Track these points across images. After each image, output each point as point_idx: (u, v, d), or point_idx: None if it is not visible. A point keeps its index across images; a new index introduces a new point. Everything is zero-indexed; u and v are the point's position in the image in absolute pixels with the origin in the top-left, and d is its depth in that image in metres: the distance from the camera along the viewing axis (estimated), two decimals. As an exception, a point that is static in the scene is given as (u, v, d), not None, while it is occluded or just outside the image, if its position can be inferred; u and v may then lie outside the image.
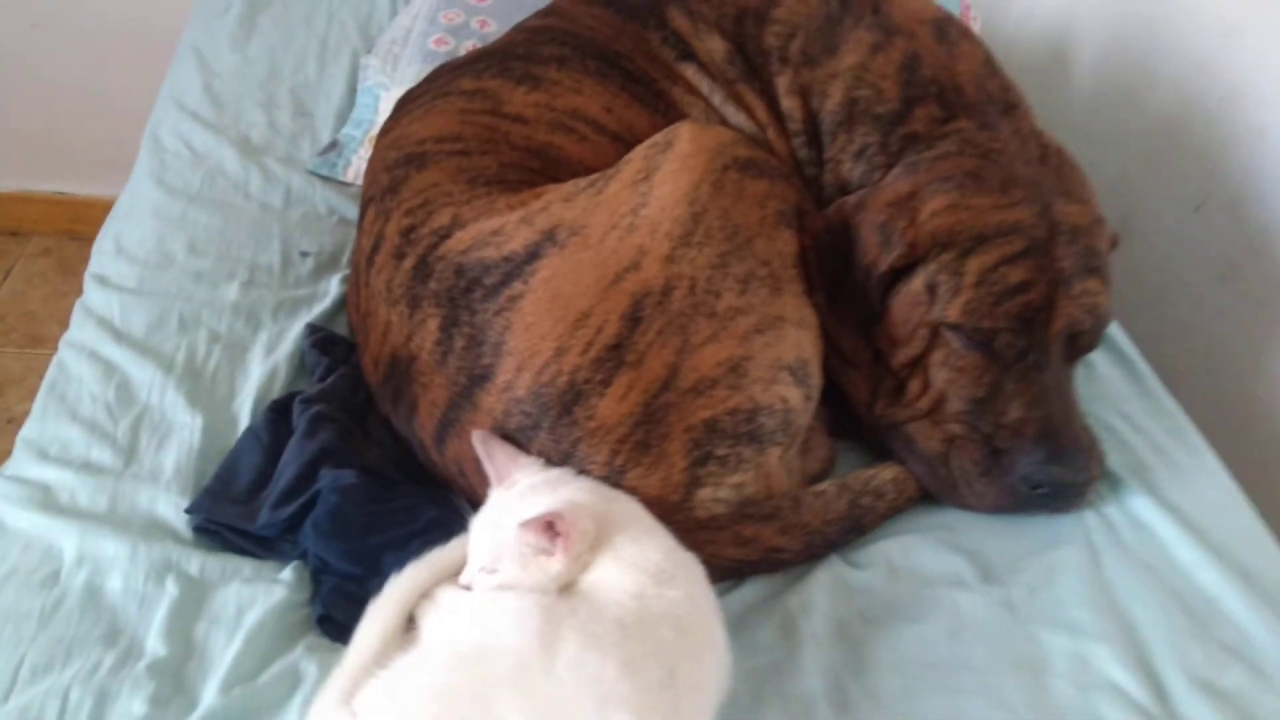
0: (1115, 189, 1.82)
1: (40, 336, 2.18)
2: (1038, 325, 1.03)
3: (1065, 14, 2.01)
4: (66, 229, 2.42)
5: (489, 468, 0.89)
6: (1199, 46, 1.63)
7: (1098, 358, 1.27)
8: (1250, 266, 1.49)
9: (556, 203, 1.00)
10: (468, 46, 1.46)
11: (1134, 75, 1.79)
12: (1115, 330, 1.33)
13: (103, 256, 1.22)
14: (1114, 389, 1.23)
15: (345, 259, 1.26)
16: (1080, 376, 1.24)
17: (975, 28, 1.82)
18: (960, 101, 1.12)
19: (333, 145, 1.42)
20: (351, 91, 1.53)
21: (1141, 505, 1.07)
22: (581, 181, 1.03)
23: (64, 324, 2.20)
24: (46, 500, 0.92)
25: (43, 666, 0.80)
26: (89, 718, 0.77)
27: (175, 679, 0.81)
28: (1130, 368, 1.27)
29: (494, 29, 1.49)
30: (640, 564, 0.82)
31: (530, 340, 0.91)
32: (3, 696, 0.78)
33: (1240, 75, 1.54)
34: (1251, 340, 1.48)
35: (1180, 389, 1.61)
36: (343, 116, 1.49)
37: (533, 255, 0.95)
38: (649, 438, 0.91)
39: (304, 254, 1.25)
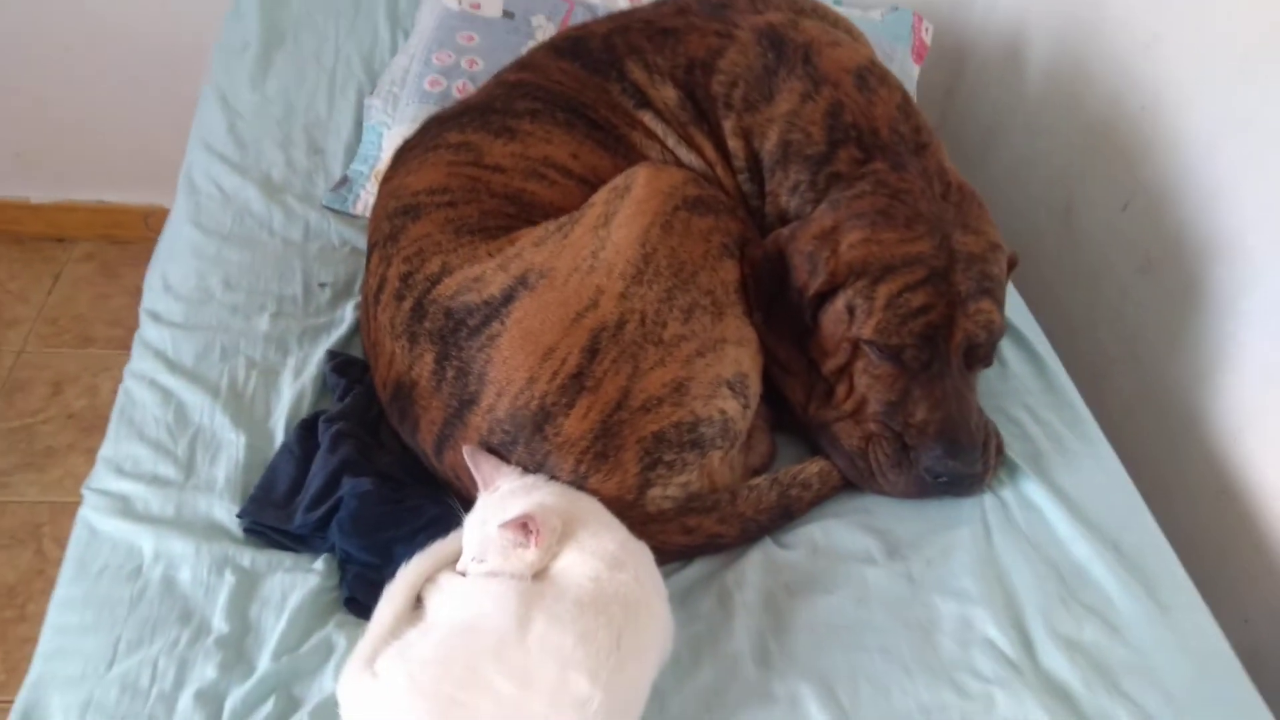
0: (1060, 180, 1.99)
1: (90, 336, 2.39)
2: (939, 340, 1.22)
3: (1019, 14, 2.15)
4: (106, 234, 2.62)
5: (477, 476, 1.09)
6: (1125, 55, 1.78)
7: (1010, 356, 1.46)
8: (1165, 262, 1.66)
9: (528, 248, 1.19)
10: (458, 85, 1.65)
11: (1075, 76, 1.94)
12: (1030, 331, 1.51)
13: (153, 293, 1.41)
14: (1022, 385, 1.42)
15: (357, 286, 1.45)
16: (994, 374, 1.43)
17: (928, 37, 1.97)
18: (876, 144, 1.29)
19: (343, 181, 1.61)
20: (358, 127, 1.71)
21: (1032, 489, 1.27)
22: (551, 225, 1.22)
23: (109, 324, 2.44)
24: (126, 509, 1.14)
25: (135, 642, 1.02)
26: (174, 681, 0.99)
27: (237, 650, 1.02)
28: (1039, 365, 1.45)
29: (481, 68, 1.67)
30: (598, 553, 1.02)
31: (507, 371, 1.11)
32: (107, 666, 1.00)
33: (1158, 85, 1.69)
34: (1167, 328, 1.66)
35: (1110, 370, 1.81)
36: (351, 152, 1.67)
37: (508, 298, 1.14)
38: (606, 449, 1.10)
39: (322, 285, 1.44)
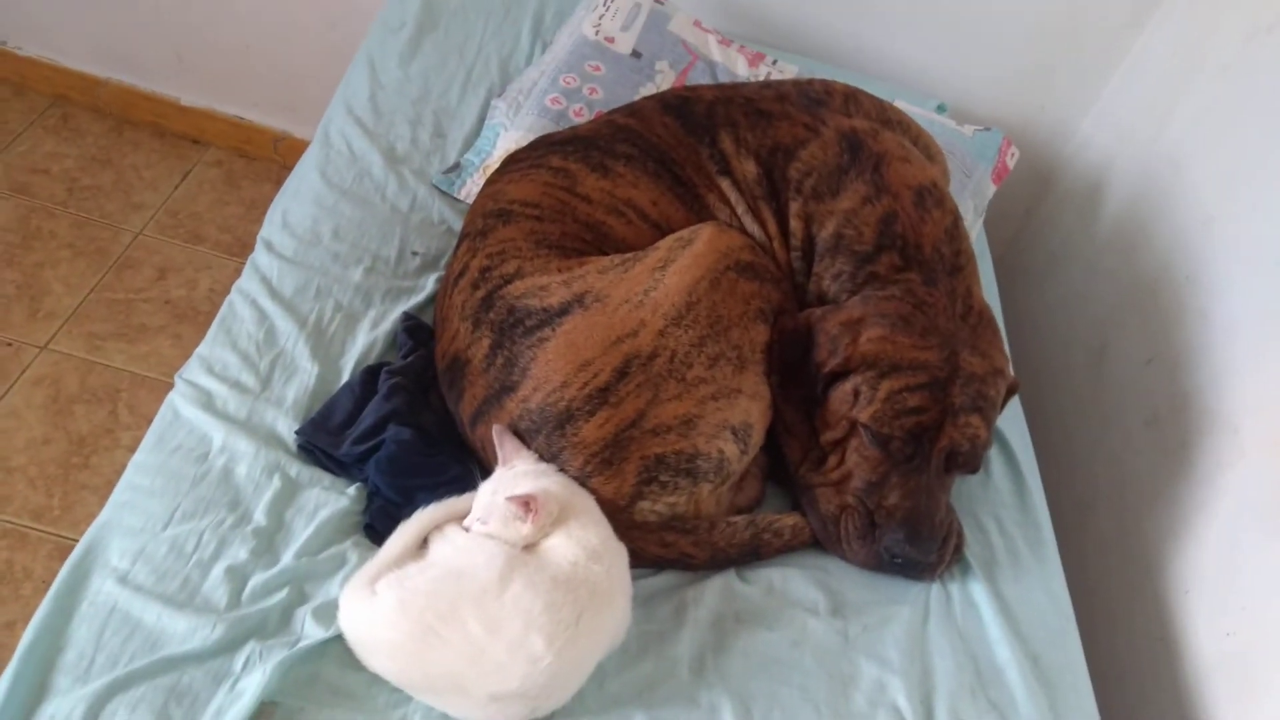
0: (1102, 320, 2.11)
1: (201, 235, 2.62)
2: (925, 441, 1.36)
3: (1106, 160, 2.27)
4: (238, 148, 2.87)
5: (499, 451, 1.27)
6: (1185, 225, 1.90)
7: (997, 470, 1.59)
8: (1168, 423, 1.77)
9: (593, 273, 1.37)
10: (576, 108, 1.83)
11: (1138, 231, 2.06)
12: (1023, 453, 1.63)
13: (272, 226, 1.62)
14: (999, 498, 1.55)
15: (443, 262, 1.65)
16: (978, 481, 1.57)
17: (1011, 162, 2.10)
18: (918, 257, 1.44)
19: (455, 167, 1.81)
20: (480, 122, 1.91)
21: (978, 589, 1.40)
22: (617, 258, 1.40)
23: (220, 228, 2.69)
24: (208, 403, 1.34)
25: (189, 513, 1.22)
26: (212, 554, 1.18)
27: (268, 542, 1.21)
28: (1020, 485, 1.58)
29: (601, 97, 1.85)
30: (582, 542, 1.19)
31: (547, 372, 1.29)
32: (163, 526, 1.20)
33: (1204, 261, 1.81)
34: (1154, 483, 1.77)
35: (1096, 505, 1.93)
36: (469, 143, 1.87)
37: (564, 311, 1.32)
38: (613, 458, 1.27)
39: (415, 253, 1.64)
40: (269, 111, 2.83)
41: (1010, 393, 1.46)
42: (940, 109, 2.22)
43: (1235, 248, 1.73)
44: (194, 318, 2.41)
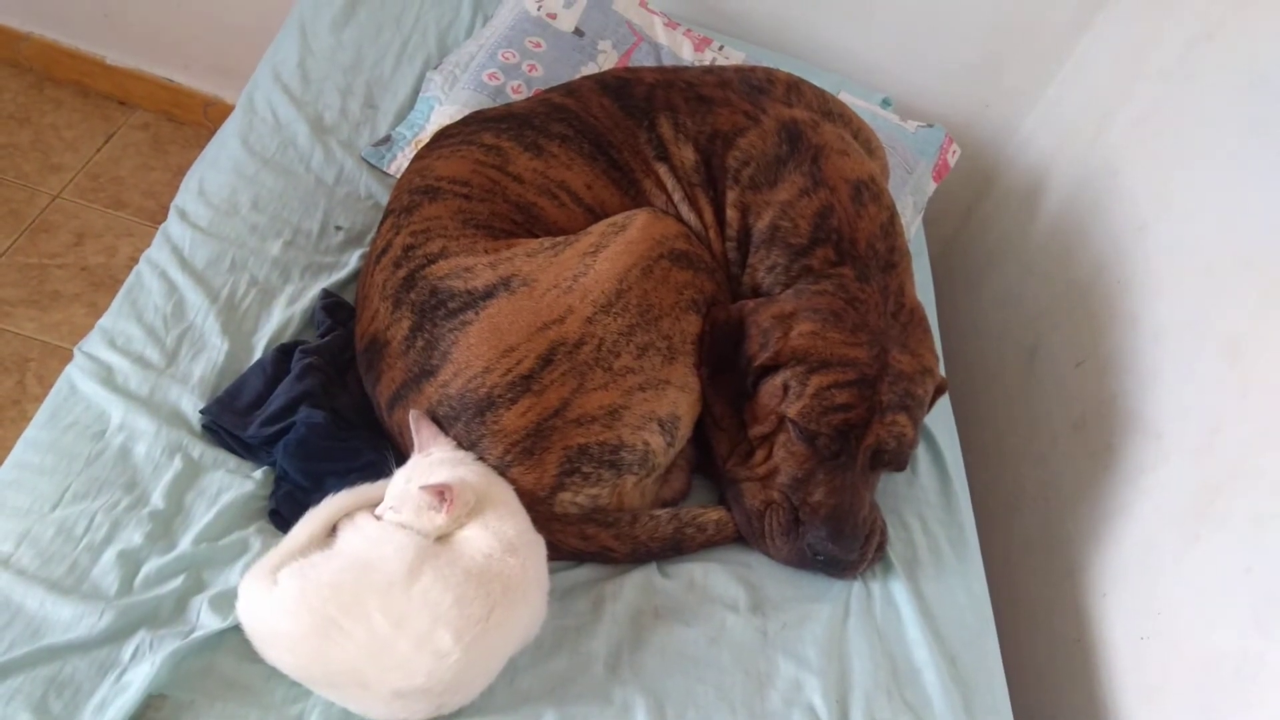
0: (1035, 321, 2.12)
1: (123, 201, 2.51)
2: (852, 438, 1.34)
3: (1047, 161, 2.28)
4: (166, 111, 2.75)
5: (416, 438, 1.22)
6: (1119, 231, 1.91)
7: (923, 469, 1.59)
8: (1094, 426, 1.79)
9: (521, 255, 1.32)
10: (514, 85, 1.78)
11: (1074, 234, 2.07)
12: (950, 453, 1.63)
13: (188, 193, 1.55)
14: (925, 497, 1.54)
15: (369, 238, 1.59)
16: (903, 479, 1.56)
17: (953, 159, 2.10)
18: (852, 252, 1.42)
19: (386, 140, 1.74)
20: (414, 95, 1.84)
21: (899, 589, 1.39)
22: (547, 241, 1.35)
23: (144, 194, 2.57)
24: (108, 378, 1.27)
25: (81, 494, 1.15)
26: (104, 538, 1.12)
27: (165, 526, 1.16)
28: (946, 484, 1.58)
29: (541, 74, 1.80)
30: (498, 534, 1.15)
31: (468, 357, 1.24)
32: (51, 507, 1.13)
33: (1136, 267, 1.82)
34: (1078, 484, 1.78)
35: (1021, 506, 1.94)
36: (401, 116, 1.80)
37: (488, 294, 1.27)
38: (534, 447, 1.24)
39: (338, 228, 1.58)
40: (200, 74, 2.72)
41: (939, 392, 1.45)
42: (885, 103, 2.20)
43: (1167, 254, 1.74)
44: (111, 286, 2.31)
